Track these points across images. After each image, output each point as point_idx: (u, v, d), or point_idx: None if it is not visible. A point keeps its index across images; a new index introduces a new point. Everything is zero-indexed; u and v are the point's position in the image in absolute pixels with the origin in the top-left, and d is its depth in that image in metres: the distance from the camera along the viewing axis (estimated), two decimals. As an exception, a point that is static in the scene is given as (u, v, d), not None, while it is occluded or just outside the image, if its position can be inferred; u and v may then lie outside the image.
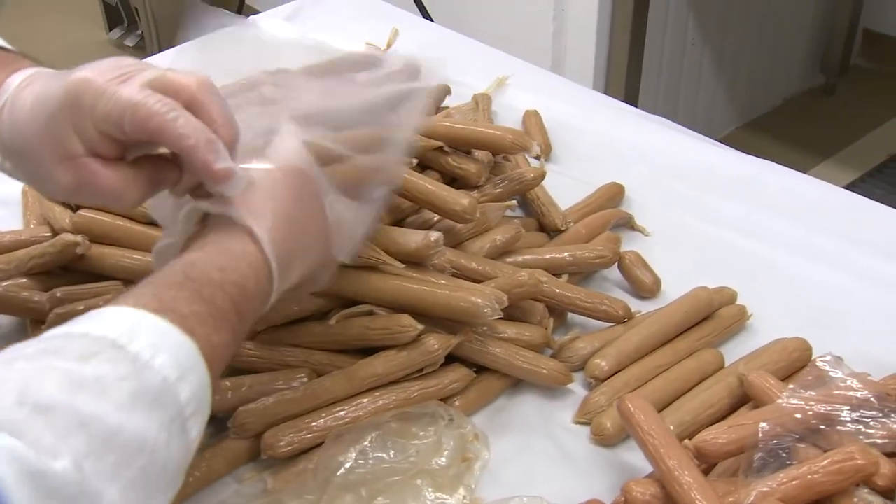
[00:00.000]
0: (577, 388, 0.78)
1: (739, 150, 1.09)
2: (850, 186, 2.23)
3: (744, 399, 0.72)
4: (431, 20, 1.96)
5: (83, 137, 0.57)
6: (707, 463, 0.66)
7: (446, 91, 1.12)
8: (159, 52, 1.87)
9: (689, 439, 0.65)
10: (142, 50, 2.92)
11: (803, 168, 1.05)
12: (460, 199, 0.80)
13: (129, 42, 2.99)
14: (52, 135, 0.57)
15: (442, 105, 1.11)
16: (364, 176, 0.70)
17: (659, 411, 0.69)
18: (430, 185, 0.81)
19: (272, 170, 0.61)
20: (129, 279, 0.81)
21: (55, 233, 0.84)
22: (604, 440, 0.73)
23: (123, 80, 0.56)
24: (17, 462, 0.41)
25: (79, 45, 3.00)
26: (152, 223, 0.83)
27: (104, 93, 0.55)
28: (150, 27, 2.79)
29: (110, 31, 3.02)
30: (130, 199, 0.59)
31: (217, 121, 0.57)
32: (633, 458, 0.70)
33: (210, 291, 0.53)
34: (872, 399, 0.64)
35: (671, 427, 0.68)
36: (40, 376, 0.45)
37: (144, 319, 0.49)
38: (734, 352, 0.79)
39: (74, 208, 0.85)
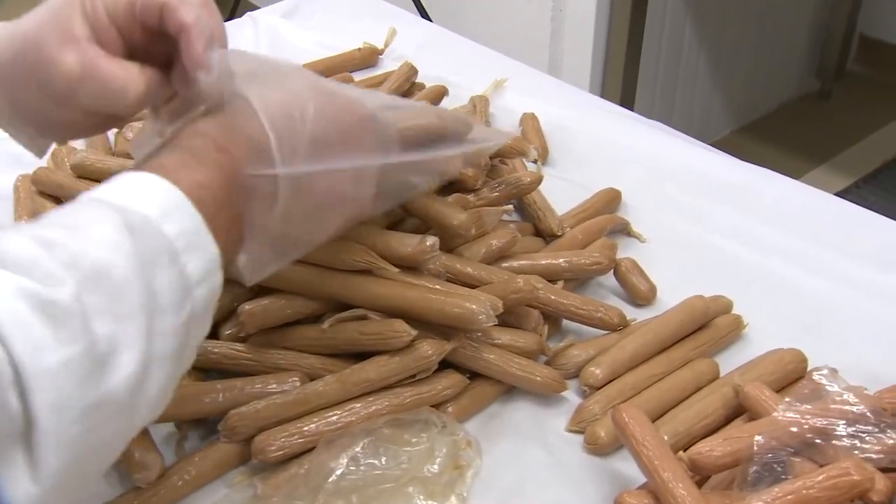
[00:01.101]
0: (571, 396, 0.78)
1: (734, 154, 1.08)
2: (845, 192, 2.23)
3: (739, 410, 0.72)
4: (430, 19, 1.96)
5: (90, 21, 0.60)
6: (701, 475, 0.65)
7: (443, 92, 1.12)
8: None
9: (684, 450, 0.65)
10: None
11: (798, 173, 1.05)
12: (457, 215, 0.79)
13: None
14: (59, 19, 0.59)
15: (439, 106, 1.11)
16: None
17: (653, 421, 0.69)
18: (426, 197, 0.81)
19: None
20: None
21: (46, 230, 0.83)
22: (597, 449, 0.72)
23: None
24: (30, 297, 0.44)
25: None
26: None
27: None
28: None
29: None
30: (135, 93, 0.60)
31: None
32: (627, 467, 0.70)
33: (198, 143, 0.57)
34: (868, 414, 0.63)
35: (665, 437, 0.68)
36: (42, 227, 0.49)
37: (124, 177, 0.54)
38: (729, 361, 0.79)
39: (66, 206, 0.85)
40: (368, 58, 1.24)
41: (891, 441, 0.62)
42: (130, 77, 0.60)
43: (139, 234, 0.50)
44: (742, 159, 1.07)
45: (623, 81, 2.10)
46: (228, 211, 0.57)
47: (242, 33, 1.33)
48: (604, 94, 2.06)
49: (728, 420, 0.72)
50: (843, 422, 0.63)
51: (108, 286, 0.47)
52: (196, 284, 0.53)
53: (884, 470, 0.61)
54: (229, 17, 2.44)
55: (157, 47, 0.62)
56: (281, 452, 0.69)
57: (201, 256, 0.53)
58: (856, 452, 0.62)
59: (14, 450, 0.43)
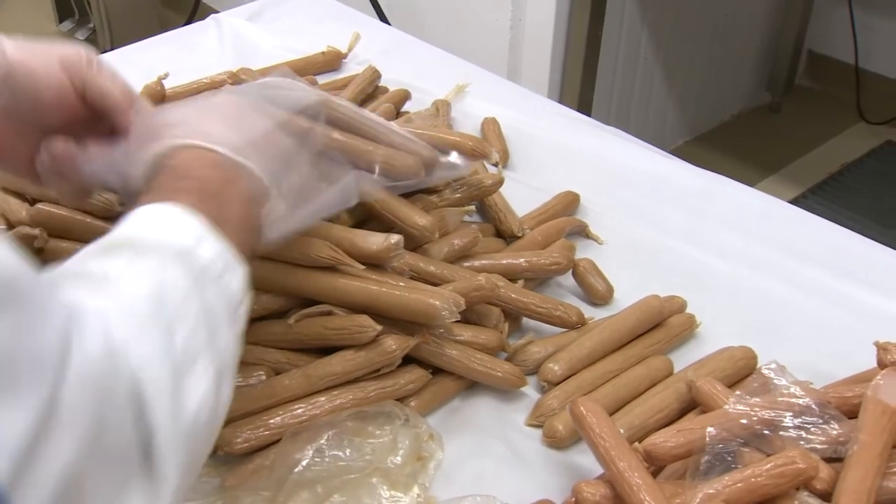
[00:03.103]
0: (531, 392, 0.80)
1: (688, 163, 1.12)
2: (794, 202, 2.28)
3: (692, 404, 0.74)
4: (389, 24, 1.97)
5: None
6: (656, 465, 0.67)
7: (406, 96, 1.13)
8: (112, 46, 1.84)
9: (639, 442, 0.67)
10: (93, 43, 2.88)
11: (750, 183, 1.08)
12: (420, 218, 0.82)
13: (80, 35, 2.95)
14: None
15: (402, 110, 1.12)
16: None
17: (610, 415, 0.71)
18: (391, 200, 0.83)
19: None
20: (85, 274, 0.81)
21: (11, 226, 0.83)
22: (556, 443, 0.75)
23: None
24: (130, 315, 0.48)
25: (28, 37, 2.94)
26: (110, 218, 0.83)
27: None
28: (101, 20, 2.75)
29: (60, 22, 2.97)
30: None
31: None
32: (584, 460, 0.72)
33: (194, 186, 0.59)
34: (813, 406, 0.66)
35: (621, 430, 0.70)
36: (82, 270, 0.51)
37: (145, 210, 0.56)
38: (683, 359, 0.82)
39: (32, 202, 0.85)
40: (332, 61, 1.25)
41: (834, 432, 0.65)
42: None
43: (185, 260, 0.53)
44: (695, 168, 1.10)
45: (580, 91, 2.13)
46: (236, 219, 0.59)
47: (206, 35, 1.33)
48: (561, 104, 2.09)
49: (682, 414, 0.74)
50: (790, 414, 0.66)
51: (171, 305, 0.49)
52: (240, 302, 0.56)
53: (827, 459, 0.64)
54: (188, 21, 2.43)
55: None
56: (247, 444, 0.70)
57: (237, 274, 0.56)
58: (801, 443, 0.64)
59: (136, 468, 0.45)
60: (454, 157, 0.87)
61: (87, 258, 0.51)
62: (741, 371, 0.78)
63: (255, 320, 0.77)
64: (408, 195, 0.88)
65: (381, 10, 2.19)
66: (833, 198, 2.39)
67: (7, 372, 0.36)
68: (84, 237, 0.82)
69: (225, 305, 0.54)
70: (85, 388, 0.41)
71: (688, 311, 0.86)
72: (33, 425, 0.37)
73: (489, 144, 1.03)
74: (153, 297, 0.49)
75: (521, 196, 0.99)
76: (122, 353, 0.45)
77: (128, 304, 0.48)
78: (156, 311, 0.48)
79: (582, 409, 0.68)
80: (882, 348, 0.71)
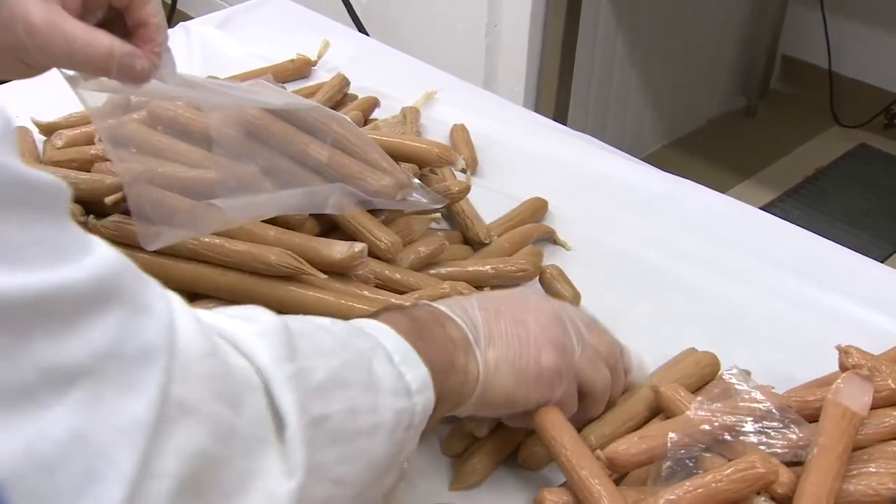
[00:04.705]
0: (496, 399, 0.79)
1: (664, 168, 1.12)
2: (769, 206, 2.30)
3: (659, 411, 0.74)
4: (367, 33, 1.97)
5: None
6: (618, 472, 0.67)
7: (374, 103, 1.13)
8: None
9: (601, 449, 0.67)
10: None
11: (726, 187, 1.09)
12: (385, 237, 0.82)
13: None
14: None
15: (370, 117, 1.12)
16: None
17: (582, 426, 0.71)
18: (357, 214, 0.83)
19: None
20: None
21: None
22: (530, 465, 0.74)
23: None
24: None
25: None
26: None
27: None
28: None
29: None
30: (100, 47, 0.61)
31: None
32: (550, 472, 0.72)
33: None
34: (774, 411, 0.66)
35: (593, 439, 0.70)
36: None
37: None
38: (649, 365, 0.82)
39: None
40: (301, 69, 1.25)
41: (794, 436, 0.65)
42: (93, 35, 0.61)
43: (356, 329, 0.55)
44: (672, 173, 1.10)
45: (557, 98, 2.14)
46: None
47: (175, 43, 1.30)
48: (538, 110, 2.10)
49: (650, 420, 0.74)
50: (751, 419, 0.66)
51: (329, 339, 0.52)
52: (415, 392, 0.56)
53: (788, 463, 0.64)
54: (164, 28, 2.42)
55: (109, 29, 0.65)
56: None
57: (416, 371, 0.56)
58: (762, 447, 0.64)
59: (270, 449, 0.45)
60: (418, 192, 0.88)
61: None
62: (706, 376, 0.77)
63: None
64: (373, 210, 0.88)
65: (359, 20, 2.19)
66: (809, 201, 2.41)
67: (120, 368, 0.38)
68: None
69: (394, 381, 0.55)
70: (194, 378, 0.41)
71: (653, 315, 0.87)
72: (153, 415, 0.38)
73: (457, 151, 1.03)
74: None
75: (490, 203, 0.99)
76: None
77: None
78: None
79: (544, 418, 0.68)
80: (843, 351, 0.71)
